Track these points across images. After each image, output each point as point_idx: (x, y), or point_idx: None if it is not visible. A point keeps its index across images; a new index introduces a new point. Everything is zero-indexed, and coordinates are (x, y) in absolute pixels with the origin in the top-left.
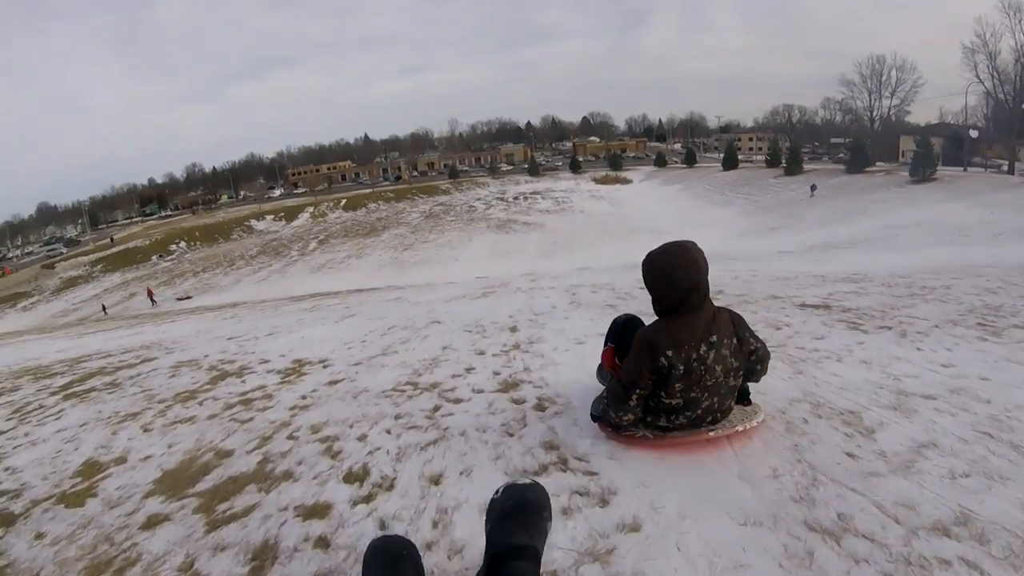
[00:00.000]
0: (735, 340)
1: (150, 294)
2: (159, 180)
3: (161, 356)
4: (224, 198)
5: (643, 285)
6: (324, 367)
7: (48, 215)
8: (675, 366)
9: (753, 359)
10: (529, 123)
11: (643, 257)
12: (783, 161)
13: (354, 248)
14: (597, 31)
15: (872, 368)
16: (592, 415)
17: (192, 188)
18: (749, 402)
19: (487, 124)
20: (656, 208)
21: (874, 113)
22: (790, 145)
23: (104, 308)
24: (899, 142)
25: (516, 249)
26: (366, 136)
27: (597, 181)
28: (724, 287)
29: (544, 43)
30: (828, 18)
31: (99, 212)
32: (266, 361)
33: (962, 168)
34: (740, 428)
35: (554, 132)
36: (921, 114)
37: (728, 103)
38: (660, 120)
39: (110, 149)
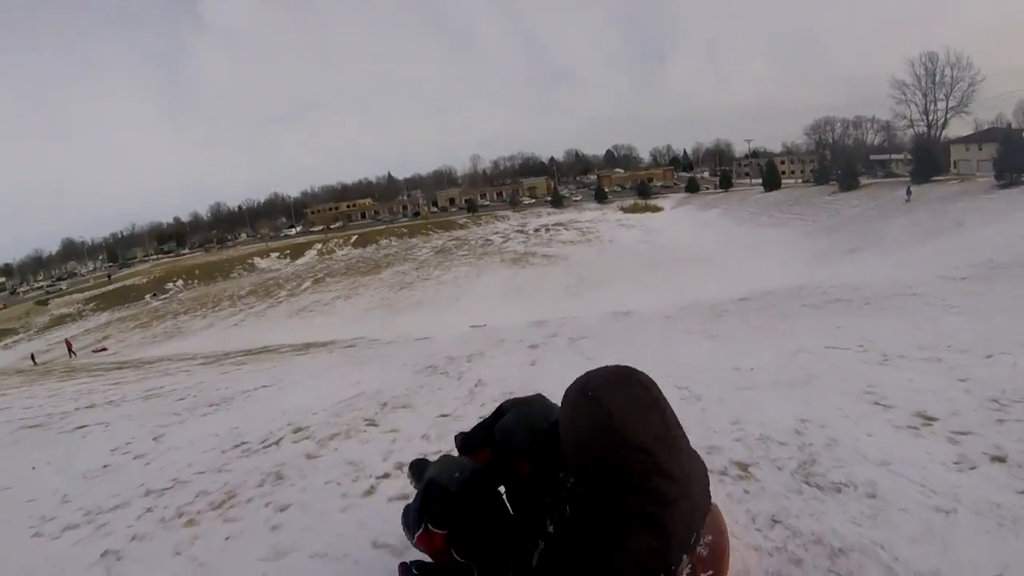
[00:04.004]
0: None
1: (69, 347)
2: (184, 219)
3: None
4: (242, 236)
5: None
6: None
7: (71, 251)
8: None
9: None
10: (552, 158)
11: None
12: (832, 178)
13: (347, 288)
14: (619, 68)
15: None
16: None
17: (216, 227)
18: None
19: (510, 159)
20: (696, 234)
21: (930, 117)
22: (844, 158)
23: (33, 358)
24: (950, 152)
25: (533, 286)
26: (389, 175)
27: (625, 210)
28: None
29: (566, 81)
30: (852, 39)
31: (119, 250)
32: None
33: None
34: None
35: (578, 166)
36: (957, 126)
37: (753, 131)
38: (685, 150)
39: (139, 188)
